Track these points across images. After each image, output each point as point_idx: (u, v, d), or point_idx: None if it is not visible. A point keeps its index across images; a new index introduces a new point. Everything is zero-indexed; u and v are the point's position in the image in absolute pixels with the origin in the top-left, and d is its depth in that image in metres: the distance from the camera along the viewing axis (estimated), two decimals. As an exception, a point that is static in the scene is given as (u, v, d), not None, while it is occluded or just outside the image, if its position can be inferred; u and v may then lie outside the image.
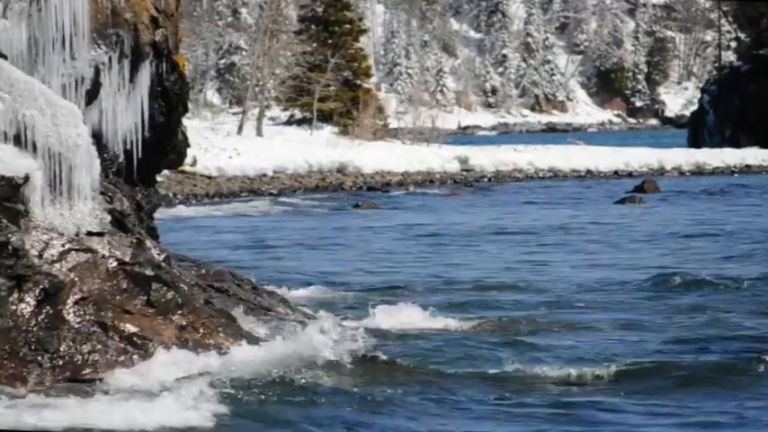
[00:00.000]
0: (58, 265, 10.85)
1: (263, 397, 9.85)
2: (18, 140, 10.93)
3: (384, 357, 11.47)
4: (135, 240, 11.64)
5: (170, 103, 14.20)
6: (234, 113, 70.26)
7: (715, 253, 22.24)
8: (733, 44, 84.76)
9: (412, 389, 10.51)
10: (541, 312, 15.19)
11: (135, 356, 10.66)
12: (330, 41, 62.30)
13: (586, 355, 12.09)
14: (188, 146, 15.33)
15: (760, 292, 16.68)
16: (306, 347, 11.13)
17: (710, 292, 16.87)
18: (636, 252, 22.75)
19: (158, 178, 16.17)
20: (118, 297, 11.05)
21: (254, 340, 11.48)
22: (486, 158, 52.02)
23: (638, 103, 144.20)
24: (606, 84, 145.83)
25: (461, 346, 12.42)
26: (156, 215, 14.85)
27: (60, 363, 10.46)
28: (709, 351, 12.33)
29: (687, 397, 10.58)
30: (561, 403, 10.21)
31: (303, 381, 10.32)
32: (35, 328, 10.53)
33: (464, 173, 50.36)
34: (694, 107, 79.05)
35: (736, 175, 51.59)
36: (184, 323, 11.25)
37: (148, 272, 11.31)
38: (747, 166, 54.10)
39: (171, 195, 38.16)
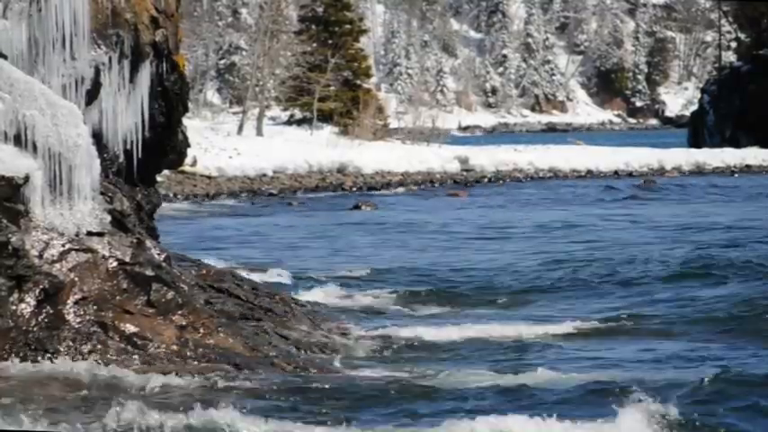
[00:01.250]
0: (58, 265, 10.85)
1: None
2: (18, 140, 10.93)
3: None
4: (135, 240, 11.63)
5: (170, 103, 14.19)
6: (234, 113, 70.29)
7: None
8: (733, 44, 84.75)
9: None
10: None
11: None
12: (330, 41, 62.33)
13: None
14: (188, 146, 15.32)
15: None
16: None
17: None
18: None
19: (158, 178, 16.16)
20: (118, 297, 11.04)
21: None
22: (487, 158, 52.01)
23: (639, 104, 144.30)
24: (606, 84, 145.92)
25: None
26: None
27: (61, 362, 10.46)
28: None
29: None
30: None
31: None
32: (35, 328, 10.53)
33: (464, 173, 50.35)
34: (694, 107, 79.10)
35: (736, 175, 51.61)
36: (184, 323, 11.25)
37: (148, 272, 11.31)
38: (747, 166, 54.11)
39: (171, 195, 38.14)
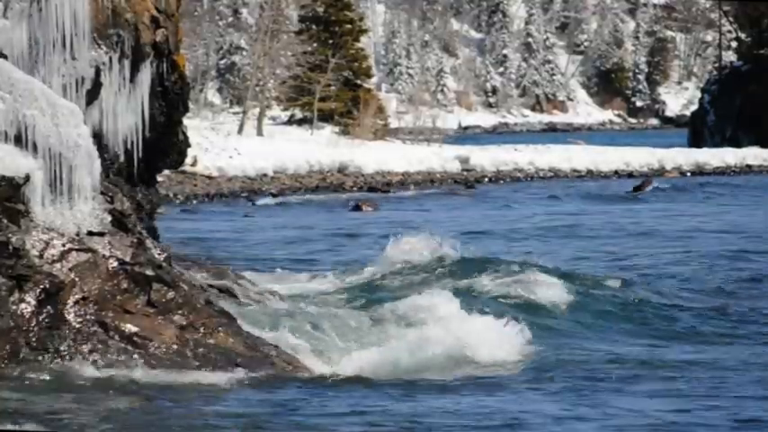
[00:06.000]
0: (58, 265, 10.85)
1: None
2: (18, 140, 10.94)
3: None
4: (135, 240, 11.64)
5: (170, 102, 14.20)
6: (234, 113, 70.22)
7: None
8: (733, 44, 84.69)
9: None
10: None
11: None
12: (331, 41, 62.30)
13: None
14: (188, 146, 15.34)
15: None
16: None
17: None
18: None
19: (158, 178, 16.18)
20: (118, 297, 11.05)
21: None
22: (487, 158, 52.00)
23: (639, 103, 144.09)
24: (606, 84, 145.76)
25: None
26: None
27: (61, 362, 10.47)
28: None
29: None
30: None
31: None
32: (36, 328, 10.54)
33: (464, 173, 50.35)
34: (695, 107, 79.05)
35: (736, 175, 51.59)
36: (185, 323, 11.26)
37: (149, 272, 11.32)
38: (747, 166, 54.09)
39: (171, 195, 38.13)
